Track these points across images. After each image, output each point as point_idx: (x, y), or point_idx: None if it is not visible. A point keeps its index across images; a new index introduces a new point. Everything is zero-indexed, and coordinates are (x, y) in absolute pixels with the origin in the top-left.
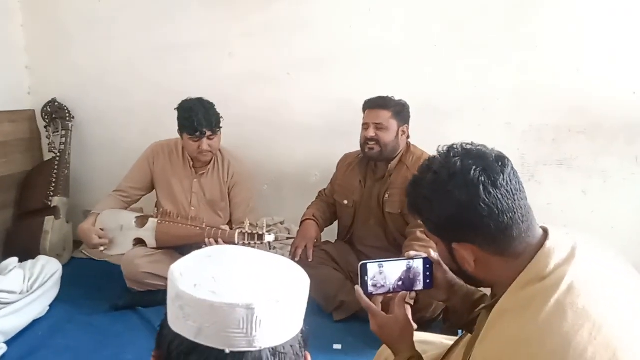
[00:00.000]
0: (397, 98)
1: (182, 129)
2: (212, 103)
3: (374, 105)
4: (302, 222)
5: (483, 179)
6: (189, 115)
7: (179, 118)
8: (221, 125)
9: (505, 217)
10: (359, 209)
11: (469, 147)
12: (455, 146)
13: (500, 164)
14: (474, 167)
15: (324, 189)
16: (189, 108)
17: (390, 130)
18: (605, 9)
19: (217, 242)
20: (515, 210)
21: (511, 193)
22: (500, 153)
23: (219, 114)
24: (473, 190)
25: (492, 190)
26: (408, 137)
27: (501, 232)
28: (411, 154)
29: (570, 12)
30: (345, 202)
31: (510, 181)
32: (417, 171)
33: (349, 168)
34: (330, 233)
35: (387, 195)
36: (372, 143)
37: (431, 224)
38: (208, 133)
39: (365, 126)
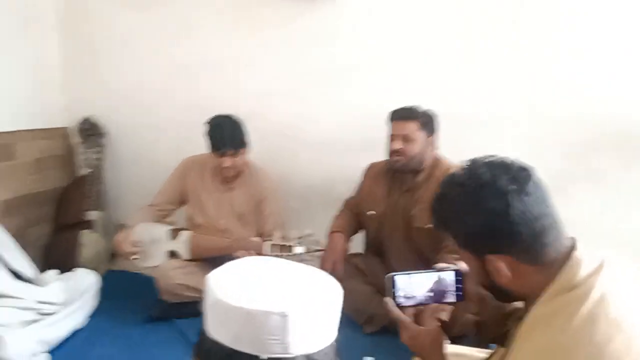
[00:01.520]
0: (424, 108)
1: (208, 144)
2: (240, 121)
3: (400, 116)
4: (329, 234)
5: (513, 188)
6: (213, 132)
7: (206, 133)
8: (246, 145)
9: (537, 224)
10: (384, 220)
11: (492, 159)
12: (477, 159)
13: (525, 172)
14: (502, 177)
15: (350, 198)
16: (215, 125)
17: (417, 142)
18: (629, 16)
19: (249, 254)
20: (545, 216)
21: (540, 200)
22: (523, 163)
23: (245, 132)
24: (504, 199)
25: (522, 198)
26: (436, 148)
27: (534, 240)
28: (439, 167)
29: (597, 22)
30: (371, 212)
31: (537, 189)
32: (439, 187)
33: (375, 178)
34: (359, 243)
35: (415, 209)
36: (398, 155)
37: (463, 238)
38: (230, 151)
39: (392, 138)
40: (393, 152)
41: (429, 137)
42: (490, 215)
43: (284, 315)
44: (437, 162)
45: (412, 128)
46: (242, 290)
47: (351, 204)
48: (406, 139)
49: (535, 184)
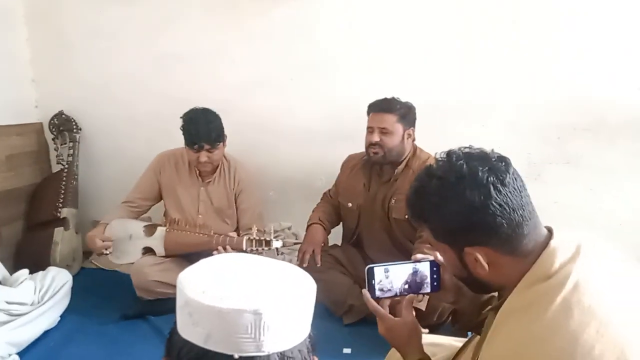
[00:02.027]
0: (402, 100)
1: (184, 139)
2: (216, 115)
3: (378, 108)
4: (308, 226)
5: (492, 179)
6: (188, 127)
7: (181, 127)
8: (222, 139)
9: (516, 215)
10: (363, 212)
11: (468, 150)
12: (454, 151)
13: (503, 163)
14: (480, 168)
15: (329, 190)
16: (190, 119)
17: (395, 135)
18: (608, 6)
19: (225, 250)
20: (523, 207)
21: (518, 191)
22: (500, 154)
23: (221, 127)
24: (484, 191)
25: (501, 189)
26: (414, 139)
27: (513, 231)
28: (417, 158)
29: (573, 10)
30: (349, 204)
31: (516, 179)
32: (415, 180)
33: (353, 170)
34: (337, 236)
35: (393, 201)
36: (377, 147)
37: (441, 230)
38: (206, 146)
39: (370, 130)
40: (371, 145)
41: (407, 129)
42: (470, 207)
43: (257, 313)
44: (415, 153)
45: (390, 121)
46: (213, 288)
47: (330, 196)
48: (384, 131)
49: (512, 175)
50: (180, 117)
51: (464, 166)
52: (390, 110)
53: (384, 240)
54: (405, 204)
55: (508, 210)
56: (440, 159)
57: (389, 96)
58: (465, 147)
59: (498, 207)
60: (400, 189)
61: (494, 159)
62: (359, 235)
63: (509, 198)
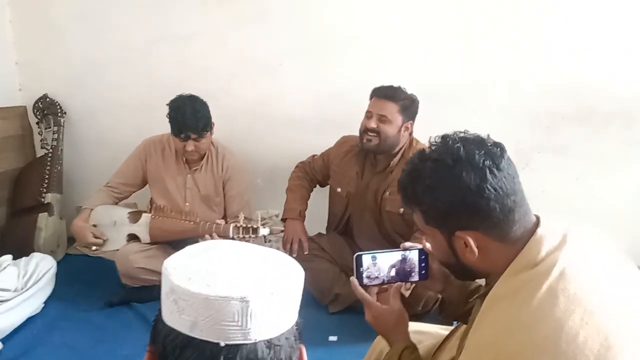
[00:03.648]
0: (408, 92)
1: (170, 127)
2: (203, 103)
3: (382, 94)
4: (285, 219)
5: (488, 163)
6: (175, 115)
7: (167, 115)
8: (209, 127)
9: (509, 200)
10: (352, 200)
11: (464, 135)
12: (450, 135)
13: (498, 149)
14: (477, 152)
15: (307, 163)
16: (176, 107)
17: (394, 125)
18: None
19: (212, 237)
20: (516, 193)
21: (511, 177)
22: (495, 140)
23: (209, 115)
24: (480, 174)
25: (497, 174)
26: (411, 133)
27: (505, 216)
28: (414, 150)
29: (564, 1)
30: (339, 190)
31: (509, 165)
32: (408, 163)
33: (347, 155)
34: (322, 224)
35: (387, 193)
36: (372, 134)
37: (433, 213)
38: (193, 136)
39: (369, 114)
40: (367, 130)
41: (406, 122)
42: (465, 189)
43: (244, 301)
44: (411, 145)
45: (391, 109)
46: (200, 275)
47: (311, 168)
48: (383, 119)
49: (507, 161)
50: (167, 105)
51: (461, 149)
52: (394, 99)
53: (373, 231)
54: (397, 187)
55: (501, 195)
56: (434, 142)
57: (389, 83)
58: (461, 132)
59: (493, 190)
60: (395, 181)
61: (489, 144)
62: (346, 223)
63: (503, 183)
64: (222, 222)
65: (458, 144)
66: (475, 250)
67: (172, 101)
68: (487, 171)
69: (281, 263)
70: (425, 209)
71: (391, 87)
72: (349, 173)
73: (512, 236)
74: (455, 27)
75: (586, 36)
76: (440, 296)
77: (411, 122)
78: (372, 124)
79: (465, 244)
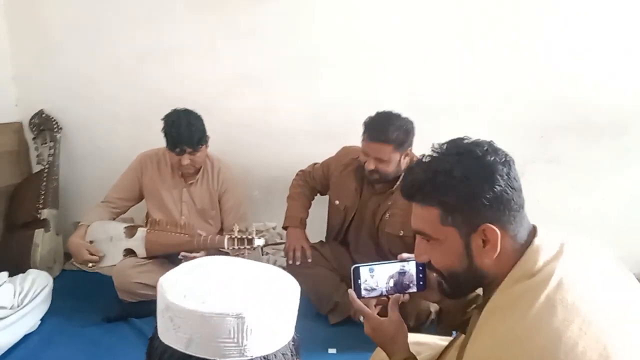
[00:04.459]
0: (400, 122)
1: (165, 142)
2: (198, 117)
3: (374, 137)
4: (287, 227)
5: (508, 157)
6: (170, 130)
7: (162, 130)
8: (204, 141)
9: (522, 196)
10: (350, 214)
11: (471, 139)
12: (461, 137)
13: (505, 151)
14: (497, 147)
15: (307, 172)
16: (171, 122)
17: (392, 163)
18: (594, 8)
19: (206, 250)
20: (520, 193)
21: (518, 177)
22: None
23: (203, 129)
24: (507, 165)
25: (514, 168)
26: (412, 158)
27: (518, 211)
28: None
29: (558, 12)
30: (337, 202)
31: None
32: (419, 164)
33: (346, 168)
34: (322, 232)
35: (387, 215)
36: (373, 172)
37: (458, 207)
38: (188, 150)
39: (365, 154)
40: (368, 171)
41: (404, 152)
42: (499, 177)
43: (239, 317)
44: (412, 161)
45: (386, 151)
46: (195, 292)
47: (311, 178)
48: (380, 161)
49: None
50: (162, 119)
51: (485, 144)
52: (387, 140)
53: (370, 250)
54: (408, 189)
55: (518, 189)
56: (437, 148)
57: (382, 108)
58: (466, 138)
59: (516, 182)
60: (396, 204)
61: (498, 146)
62: (345, 237)
63: (517, 178)
64: (218, 235)
65: (475, 142)
66: (498, 246)
67: (166, 115)
68: (511, 163)
69: (276, 278)
70: (450, 203)
71: (382, 124)
72: (348, 187)
73: (520, 236)
74: (447, 40)
75: (577, 48)
76: (432, 310)
77: (410, 148)
78: (371, 166)
79: (484, 242)
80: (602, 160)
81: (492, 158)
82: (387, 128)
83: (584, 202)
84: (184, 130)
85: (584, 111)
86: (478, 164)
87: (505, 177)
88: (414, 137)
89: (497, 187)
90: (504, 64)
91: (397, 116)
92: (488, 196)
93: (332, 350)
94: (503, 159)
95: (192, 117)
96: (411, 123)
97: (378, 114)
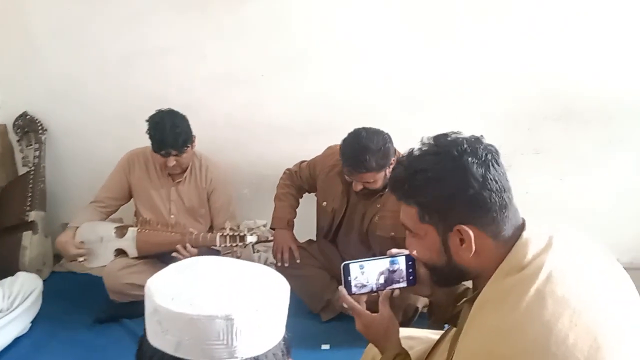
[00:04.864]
0: (377, 144)
1: (150, 144)
2: (183, 117)
3: (355, 171)
4: (274, 228)
5: (490, 157)
6: (154, 133)
7: (147, 132)
8: (189, 142)
9: (505, 196)
10: (337, 216)
11: (459, 134)
12: (446, 133)
13: (493, 147)
14: (478, 146)
15: (294, 171)
16: (155, 124)
17: (379, 181)
18: None
19: (198, 248)
20: (508, 190)
21: (504, 174)
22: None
23: (188, 131)
24: (484, 166)
25: (497, 168)
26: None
27: (501, 212)
28: None
29: (544, 2)
30: (324, 203)
31: (502, 164)
32: (405, 160)
33: (333, 169)
34: (312, 231)
35: (376, 217)
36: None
37: (433, 206)
38: (174, 152)
39: (350, 178)
40: (356, 190)
41: (388, 167)
42: (472, 180)
43: (228, 319)
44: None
45: (370, 177)
46: (183, 294)
47: (298, 177)
48: (367, 184)
49: (500, 159)
50: (146, 121)
51: (464, 142)
52: (368, 170)
53: (360, 252)
54: (391, 186)
55: (500, 190)
56: (426, 142)
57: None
58: (454, 132)
59: (494, 183)
60: (385, 206)
61: (485, 142)
62: (334, 237)
63: (501, 178)
64: (209, 233)
65: (458, 140)
66: (473, 246)
67: (150, 117)
68: (490, 164)
69: (265, 278)
70: (425, 203)
71: (359, 156)
72: (335, 190)
73: (504, 235)
74: (434, 33)
75: (563, 38)
76: (419, 306)
77: (393, 158)
78: (358, 188)
79: (461, 241)
80: (588, 150)
81: (469, 159)
82: (364, 158)
83: (573, 192)
84: (168, 132)
85: (569, 102)
86: (453, 166)
87: (481, 179)
88: (394, 148)
89: (470, 189)
90: (491, 56)
91: (371, 139)
92: (461, 198)
93: (325, 346)
94: (483, 159)
95: (176, 119)
96: (387, 138)
97: (352, 144)
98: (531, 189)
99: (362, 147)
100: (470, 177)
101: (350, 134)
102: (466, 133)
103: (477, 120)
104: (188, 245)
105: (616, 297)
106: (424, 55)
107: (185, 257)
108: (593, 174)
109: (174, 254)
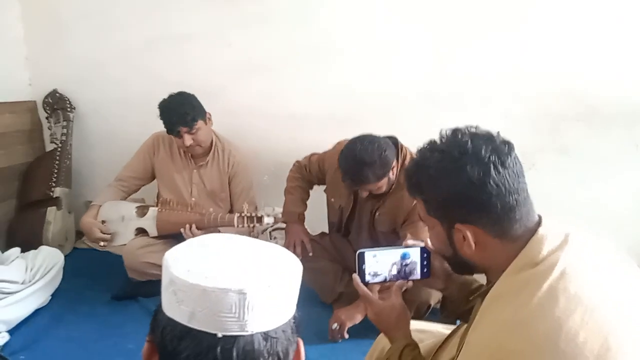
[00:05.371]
0: (374, 154)
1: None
2: (189, 95)
3: (355, 184)
4: (287, 222)
5: (493, 158)
6: (163, 116)
7: (159, 116)
8: (200, 117)
9: (511, 198)
10: (345, 213)
11: (475, 130)
12: (460, 129)
13: (506, 146)
14: (484, 147)
15: (303, 165)
16: (163, 107)
17: (382, 187)
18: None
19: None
20: (519, 192)
21: (516, 175)
22: (505, 138)
23: (196, 106)
24: (484, 168)
25: (501, 170)
26: (400, 168)
27: (505, 214)
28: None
29: (566, 2)
30: (332, 200)
31: (516, 164)
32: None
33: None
34: (324, 224)
35: (377, 214)
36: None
37: (435, 203)
38: (184, 129)
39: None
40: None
41: (390, 172)
42: (468, 182)
43: (241, 293)
44: (404, 163)
45: (372, 186)
46: (198, 267)
47: (308, 171)
48: (372, 191)
49: (513, 159)
50: (157, 107)
51: (469, 142)
52: (367, 181)
53: (371, 247)
54: (405, 180)
55: (504, 192)
56: (444, 135)
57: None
58: (472, 127)
59: (495, 186)
60: (385, 202)
61: (498, 141)
62: (346, 232)
63: (507, 180)
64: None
65: (467, 138)
66: (472, 244)
67: (160, 103)
68: (492, 166)
69: (279, 256)
70: (427, 199)
71: (356, 171)
72: (342, 186)
73: (513, 234)
74: (457, 30)
75: (589, 37)
76: (432, 303)
77: (395, 162)
78: (365, 195)
79: (464, 237)
80: (611, 152)
81: (467, 161)
82: (361, 172)
83: (594, 194)
84: (174, 112)
85: (593, 102)
86: (452, 167)
87: (478, 182)
88: (396, 156)
89: (467, 192)
90: (515, 55)
91: (366, 151)
92: (458, 199)
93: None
94: (485, 161)
95: (183, 97)
96: (383, 146)
97: (347, 159)
98: (553, 190)
99: (358, 161)
100: (466, 179)
101: (346, 146)
102: (484, 128)
103: (499, 120)
104: (193, 226)
105: (630, 298)
106: (448, 51)
107: (188, 237)
108: (616, 176)
109: (181, 230)
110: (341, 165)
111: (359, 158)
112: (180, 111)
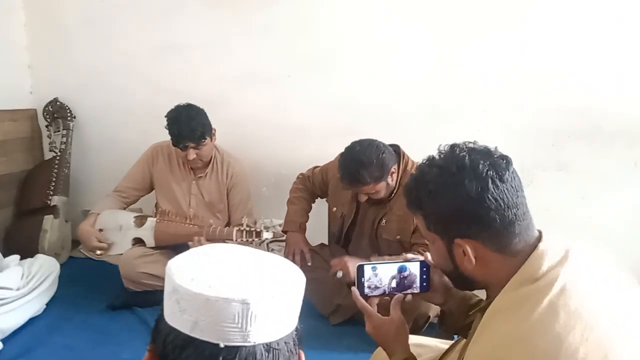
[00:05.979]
0: (371, 156)
1: (170, 138)
2: (199, 110)
3: (352, 185)
4: (286, 231)
5: (491, 173)
6: (172, 128)
7: (166, 127)
8: (207, 135)
9: (510, 213)
10: (347, 221)
11: (473, 145)
12: (458, 144)
13: (504, 161)
14: (482, 162)
15: (307, 176)
16: (172, 119)
17: (381, 190)
18: (603, 14)
19: (214, 241)
20: (518, 206)
21: (515, 190)
22: (502, 153)
23: (205, 123)
24: (482, 183)
25: (499, 185)
26: (407, 162)
27: (505, 228)
28: (408, 174)
29: (569, 17)
30: (334, 209)
31: (514, 178)
32: (416, 169)
33: None
34: (324, 235)
35: (384, 221)
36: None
37: (434, 219)
38: (191, 145)
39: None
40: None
41: (388, 176)
42: (466, 197)
43: (245, 303)
44: (406, 169)
45: (369, 189)
46: (202, 276)
47: (311, 183)
48: (370, 194)
49: (511, 174)
50: (165, 117)
51: (466, 158)
52: (364, 183)
53: (370, 257)
54: (404, 195)
55: (502, 207)
56: (443, 150)
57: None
58: (470, 142)
59: (493, 201)
60: (391, 210)
61: (496, 156)
62: (346, 244)
63: (505, 195)
64: (227, 227)
65: (464, 153)
66: (473, 259)
67: (169, 112)
68: (490, 181)
69: (283, 268)
70: (427, 214)
71: (353, 171)
72: (345, 195)
73: (512, 249)
74: (460, 44)
75: (591, 53)
76: (430, 315)
77: (394, 167)
78: (363, 199)
79: (464, 252)
80: (612, 169)
81: (465, 177)
82: (358, 173)
83: (593, 212)
84: (184, 126)
85: (595, 119)
86: (451, 182)
87: (476, 197)
88: (394, 159)
89: (465, 207)
90: (516, 70)
91: (364, 152)
92: (457, 214)
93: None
94: (482, 176)
95: (192, 112)
96: (382, 148)
97: (346, 160)
98: (552, 205)
99: (356, 162)
100: (464, 195)
101: (346, 149)
102: (481, 143)
103: (500, 135)
104: (202, 238)
105: (630, 314)
106: (450, 64)
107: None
108: (616, 195)
109: (189, 243)
110: (340, 165)
111: (357, 159)
112: (191, 126)
